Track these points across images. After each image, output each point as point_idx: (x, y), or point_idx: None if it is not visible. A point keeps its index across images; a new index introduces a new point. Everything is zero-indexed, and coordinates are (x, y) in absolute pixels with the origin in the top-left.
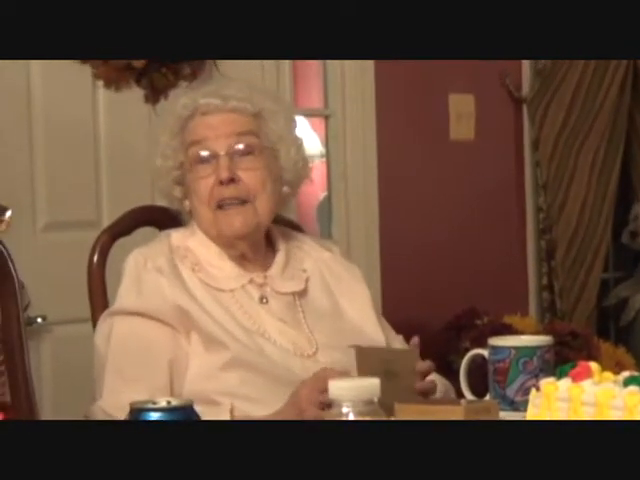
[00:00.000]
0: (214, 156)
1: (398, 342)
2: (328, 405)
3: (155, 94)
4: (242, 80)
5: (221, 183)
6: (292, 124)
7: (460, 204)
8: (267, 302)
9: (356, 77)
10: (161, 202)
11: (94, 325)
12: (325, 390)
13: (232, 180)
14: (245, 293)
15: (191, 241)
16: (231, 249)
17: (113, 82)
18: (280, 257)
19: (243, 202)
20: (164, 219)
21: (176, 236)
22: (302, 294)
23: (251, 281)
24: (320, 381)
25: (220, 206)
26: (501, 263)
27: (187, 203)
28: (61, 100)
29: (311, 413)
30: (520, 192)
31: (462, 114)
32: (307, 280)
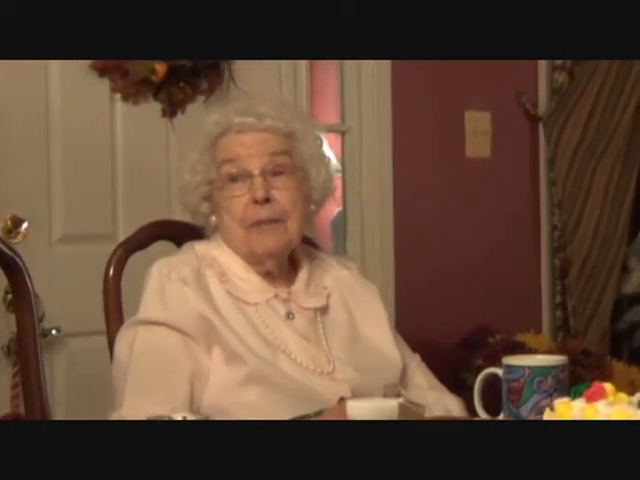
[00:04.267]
0: (247, 175)
1: (414, 362)
2: None
3: (172, 108)
4: (270, 97)
5: (256, 202)
6: (321, 143)
7: (475, 221)
8: (293, 318)
9: (373, 93)
10: (178, 216)
11: (109, 338)
12: None
13: (267, 200)
14: (269, 308)
15: (217, 252)
16: (259, 266)
17: (131, 96)
18: (303, 274)
19: (276, 221)
20: (181, 233)
21: (200, 247)
22: (323, 310)
23: (276, 296)
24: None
25: (253, 224)
26: (515, 281)
27: (213, 219)
28: (79, 113)
29: None
30: (535, 210)
31: (478, 131)
32: (328, 296)
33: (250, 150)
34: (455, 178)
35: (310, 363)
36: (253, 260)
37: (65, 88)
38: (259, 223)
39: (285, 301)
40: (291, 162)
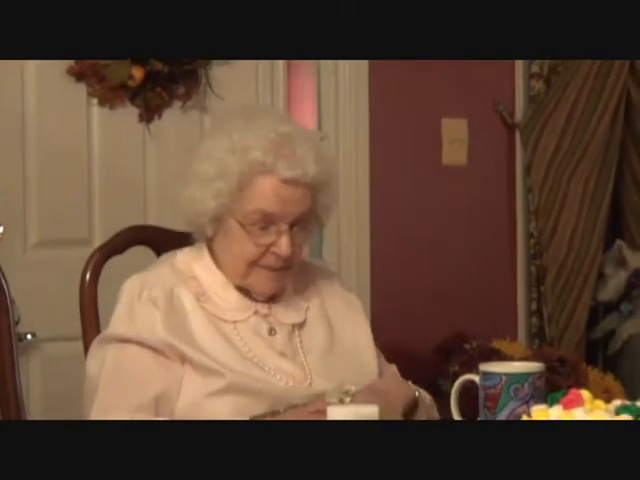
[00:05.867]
0: (275, 225)
1: (390, 371)
2: None
3: (149, 113)
4: (309, 140)
5: (275, 254)
6: (337, 191)
7: (451, 229)
8: (276, 334)
9: (350, 99)
10: (153, 221)
11: (85, 344)
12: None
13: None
14: (248, 325)
15: (197, 266)
16: (247, 291)
17: (107, 100)
18: (286, 288)
19: (283, 269)
20: (157, 238)
21: (181, 259)
22: (301, 325)
23: (256, 312)
24: (313, 410)
25: (260, 266)
26: (491, 288)
27: (210, 230)
28: (55, 118)
29: None
30: (511, 218)
31: (455, 139)
32: (307, 310)
33: (286, 207)
34: (431, 185)
35: (288, 379)
36: (243, 288)
37: (41, 92)
38: (266, 267)
39: (265, 317)
40: (312, 216)
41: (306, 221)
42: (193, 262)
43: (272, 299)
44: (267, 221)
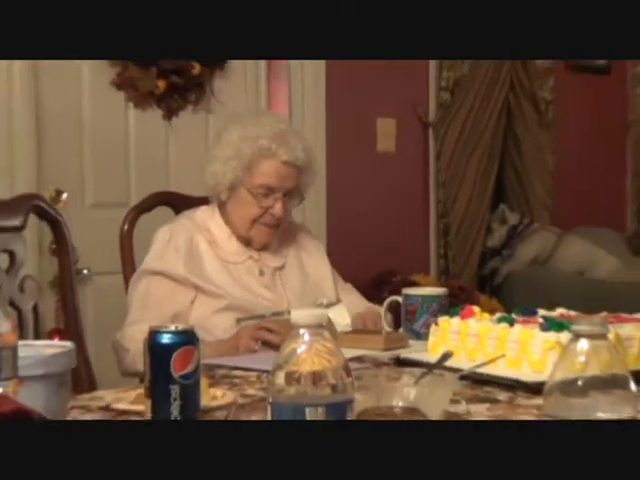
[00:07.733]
0: (273, 194)
1: (347, 290)
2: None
3: (170, 113)
4: (298, 134)
5: (271, 214)
6: (315, 173)
7: (383, 197)
8: (264, 274)
9: (311, 103)
10: (173, 189)
11: (124, 276)
12: (262, 329)
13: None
14: (245, 266)
15: (211, 222)
16: (246, 240)
17: (140, 104)
18: (272, 241)
19: (277, 226)
20: (175, 201)
21: (200, 215)
22: (281, 267)
23: (249, 257)
24: (259, 325)
25: (261, 223)
26: (412, 238)
27: (224, 194)
28: (103, 116)
29: (244, 342)
30: (426, 189)
31: (386, 133)
32: (286, 256)
33: (282, 182)
34: (369, 167)
35: (271, 304)
36: (244, 239)
37: (93, 97)
38: (264, 224)
39: (256, 261)
40: (296, 191)
41: (293, 193)
42: (208, 219)
43: (262, 248)
44: (268, 191)
